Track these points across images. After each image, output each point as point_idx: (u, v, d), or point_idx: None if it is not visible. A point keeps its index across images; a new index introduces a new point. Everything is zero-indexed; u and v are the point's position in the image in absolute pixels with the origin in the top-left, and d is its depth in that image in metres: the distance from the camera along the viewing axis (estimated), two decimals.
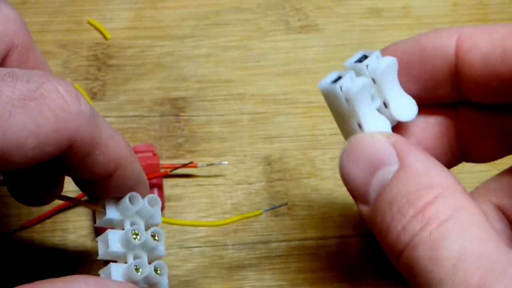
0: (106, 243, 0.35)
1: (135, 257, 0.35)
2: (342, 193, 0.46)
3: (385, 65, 0.34)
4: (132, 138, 0.47)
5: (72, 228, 0.44)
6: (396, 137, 0.33)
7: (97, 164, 0.34)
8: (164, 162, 0.46)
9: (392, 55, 0.35)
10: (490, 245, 0.29)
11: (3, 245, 0.43)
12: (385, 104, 0.35)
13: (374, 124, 0.34)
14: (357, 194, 0.33)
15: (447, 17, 0.53)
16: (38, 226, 0.44)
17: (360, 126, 0.34)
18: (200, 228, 0.44)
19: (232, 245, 0.44)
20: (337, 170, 0.46)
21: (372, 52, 0.35)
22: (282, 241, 0.44)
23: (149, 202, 0.36)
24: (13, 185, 0.38)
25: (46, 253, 0.43)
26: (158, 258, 0.36)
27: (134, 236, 0.35)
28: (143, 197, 0.36)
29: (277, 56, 0.51)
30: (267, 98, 0.49)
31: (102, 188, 0.35)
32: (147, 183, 0.37)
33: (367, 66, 0.34)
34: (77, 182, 0.36)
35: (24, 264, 0.43)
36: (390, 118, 0.35)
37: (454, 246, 0.29)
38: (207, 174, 0.46)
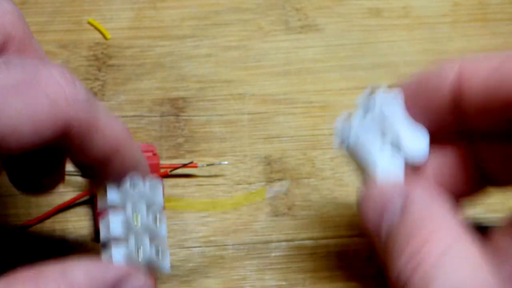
0: (107, 227, 0.35)
1: (137, 240, 0.35)
2: (342, 193, 0.46)
3: (389, 99, 0.36)
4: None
5: (71, 228, 0.44)
6: (401, 180, 0.35)
7: (95, 148, 0.34)
8: (164, 162, 0.46)
9: (398, 90, 0.36)
10: (482, 279, 0.31)
11: (1, 245, 0.43)
12: (396, 139, 0.36)
13: (385, 167, 0.35)
14: (373, 237, 0.36)
15: (447, 17, 0.53)
16: (38, 226, 0.44)
17: (373, 170, 0.36)
18: (200, 228, 0.44)
19: (232, 245, 0.44)
20: (336, 170, 0.46)
21: (379, 87, 0.36)
22: (282, 241, 0.44)
23: (150, 186, 0.36)
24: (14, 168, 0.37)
25: (45, 253, 0.43)
26: (160, 240, 0.36)
27: (135, 220, 0.35)
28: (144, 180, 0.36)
29: (277, 56, 0.51)
30: (267, 98, 0.49)
31: (101, 172, 0.35)
32: (147, 166, 0.37)
33: (374, 101, 0.36)
34: (76, 165, 0.36)
35: (22, 264, 0.43)
36: (403, 153, 0.36)
37: (446, 282, 0.31)
38: (207, 174, 0.46)
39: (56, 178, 0.39)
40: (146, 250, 0.35)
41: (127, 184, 0.36)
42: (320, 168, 0.47)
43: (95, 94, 0.49)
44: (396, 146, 0.35)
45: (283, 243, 0.44)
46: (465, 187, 0.38)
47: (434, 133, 0.37)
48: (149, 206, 0.36)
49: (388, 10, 0.53)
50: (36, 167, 0.38)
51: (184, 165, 0.45)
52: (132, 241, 0.35)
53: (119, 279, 0.33)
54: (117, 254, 0.35)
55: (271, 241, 0.44)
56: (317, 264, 0.43)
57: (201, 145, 0.47)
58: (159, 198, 0.37)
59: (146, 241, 0.36)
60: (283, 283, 0.43)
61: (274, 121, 0.48)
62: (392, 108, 0.35)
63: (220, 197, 0.45)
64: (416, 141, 0.35)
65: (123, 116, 0.48)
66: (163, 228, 0.36)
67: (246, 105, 0.49)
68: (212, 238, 0.44)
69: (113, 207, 0.36)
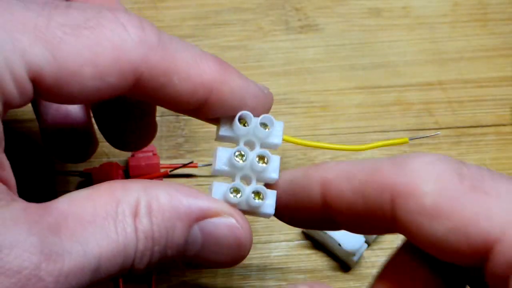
0: (215, 161, 0.34)
1: (244, 179, 0.34)
2: None
3: None
4: None
5: None
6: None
7: (182, 93, 0.32)
8: (164, 162, 0.46)
9: None
10: None
11: None
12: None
13: (350, 241, 0.43)
14: None
15: (447, 17, 0.53)
16: None
17: (340, 244, 0.43)
18: None
19: None
20: None
21: None
22: (282, 241, 0.44)
23: (262, 123, 0.34)
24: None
25: None
26: (270, 181, 0.34)
27: (238, 159, 0.34)
28: (260, 111, 0.34)
29: (277, 56, 0.51)
30: None
31: (204, 112, 0.34)
32: (259, 93, 0.34)
33: None
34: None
35: None
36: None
37: None
38: (207, 174, 0.46)
39: (148, 133, 0.38)
40: (244, 190, 0.33)
41: (236, 120, 0.34)
42: None
43: None
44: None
45: (283, 243, 0.44)
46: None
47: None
48: (264, 143, 0.34)
49: (388, 10, 0.53)
50: (126, 121, 0.37)
51: (184, 165, 0.45)
52: (238, 178, 0.34)
53: (206, 212, 0.32)
54: (217, 189, 0.33)
55: (271, 241, 0.44)
56: (317, 264, 0.43)
57: (201, 145, 0.47)
58: (276, 136, 0.35)
59: (252, 181, 0.34)
60: (283, 283, 0.43)
61: None
62: None
63: None
64: (350, 241, 0.43)
65: None
66: (272, 169, 0.34)
67: None
68: None
69: (228, 140, 0.35)
